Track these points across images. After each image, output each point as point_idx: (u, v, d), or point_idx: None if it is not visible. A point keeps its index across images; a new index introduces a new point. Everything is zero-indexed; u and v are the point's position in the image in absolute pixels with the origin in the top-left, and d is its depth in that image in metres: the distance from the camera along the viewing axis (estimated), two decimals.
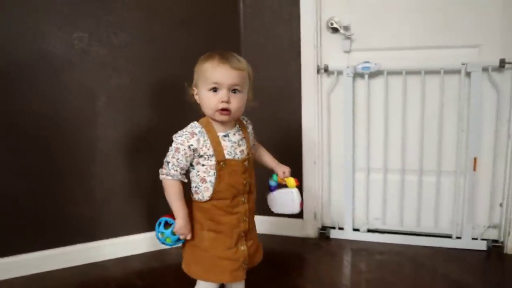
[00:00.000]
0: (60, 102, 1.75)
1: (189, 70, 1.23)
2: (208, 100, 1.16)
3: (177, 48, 1.89)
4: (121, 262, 1.89)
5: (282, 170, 1.33)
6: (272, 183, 1.34)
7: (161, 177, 1.19)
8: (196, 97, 1.22)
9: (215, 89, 1.15)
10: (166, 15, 1.87)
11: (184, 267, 1.27)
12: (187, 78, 1.24)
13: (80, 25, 1.73)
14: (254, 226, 1.31)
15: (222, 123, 1.19)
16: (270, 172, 1.36)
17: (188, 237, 1.22)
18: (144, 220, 1.95)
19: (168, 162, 1.18)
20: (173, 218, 1.21)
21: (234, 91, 1.16)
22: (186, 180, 1.21)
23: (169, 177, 1.17)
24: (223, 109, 1.15)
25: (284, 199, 1.33)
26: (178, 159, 1.17)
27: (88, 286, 1.70)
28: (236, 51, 1.20)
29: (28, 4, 1.65)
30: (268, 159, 1.38)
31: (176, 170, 1.17)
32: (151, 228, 1.94)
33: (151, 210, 1.95)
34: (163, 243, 1.26)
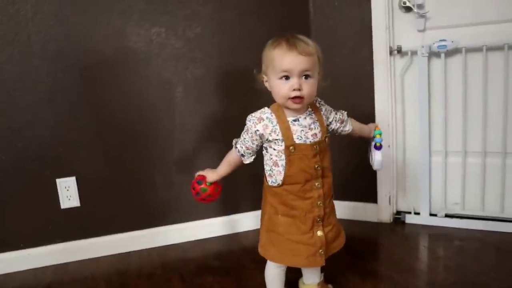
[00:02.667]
0: (141, 94, 1.87)
1: (261, 58, 1.24)
2: (279, 88, 1.15)
3: (248, 36, 1.92)
4: (200, 244, 1.98)
5: (375, 126, 1.37)
6: (379, 139, 1.34)
7: (233, 143, 1.28)
8: (267, 84, 1.22)
9: (286, 77, 1.14)
10: (236, 5, 1.91)
11: (260, 250, 1.29)
12: (259, 66, 1.24)
13: (158, 21, 1.83)
14: (333, 211, 1.29)
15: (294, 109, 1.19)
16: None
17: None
18: (221, 204, 2.03)
19: (241, 137, 1.25)
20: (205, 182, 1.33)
21: (306, 77, 1.15)
22: (247, 161, 1.26)
23: (235, 148, 1.27)
24: (295, 97, 1.14)
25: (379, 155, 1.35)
26: (245, 139, 1.23)
27: (170, 265, 1.80)
28: (306, 36, 1.20)
29: (114, 8, 1.78)
30: (360, 128, 1.38)
31: (242, 147, 1.24)
32: (228, 212, 2.05)
33: (228, 195, 2.02)
34: (198, 194, 1.35)
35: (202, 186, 1.33)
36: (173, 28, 1.85)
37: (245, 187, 2.00)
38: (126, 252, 1.94)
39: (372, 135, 1.36)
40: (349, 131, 1.34)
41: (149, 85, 1.87)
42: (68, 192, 1.85)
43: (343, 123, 1.32)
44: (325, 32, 2.00)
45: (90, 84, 1.81)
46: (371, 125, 1.38)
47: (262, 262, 1.34)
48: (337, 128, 1.32)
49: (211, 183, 1.33)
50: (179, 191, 1.96)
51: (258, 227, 1.97)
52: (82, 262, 1.87)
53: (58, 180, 1.83)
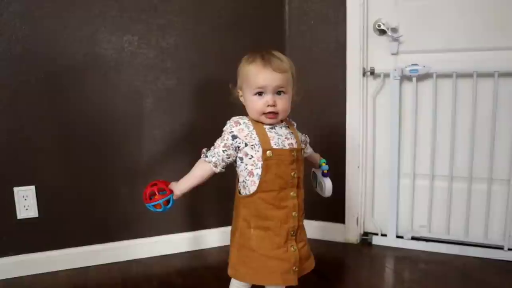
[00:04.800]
0: (110, 102, 1.81)
1: (234, 72, 1.23)
2: (254, 104, 1.17)
3: (222, 50, 1.91)
4: (163, 260, 1.92)
5: (319, 156, 1.40)
6: (326, 167, 1.36)
7: (202, 153, 1.21)
8: (242, 99, 1.22)
9: (260, 93, 1.16)
10: (212, 18, 1.89)
11: (229, 271, 1.23)
12: (232, 80, 1.24)
13: (130, 29, 1.79)
14: (304, 228, 1.27)
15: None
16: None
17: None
18: (186, 219, 1.98)
19: (214, 145, 1.20)
20: (167, 189, 1.21)
21: (279, 93, 1.16)
22: (217, 170, 1.19)
23: (205, 157, 1.20)
24: (269, 112, 1.16)
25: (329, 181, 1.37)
26: (219, 145, 1.18)
27: (131, 282, 1.73)
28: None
29: (85, 12, 1.73)
30: (312, 154, 1.40)
31: (214, 155, 1.18)
32: (193, 227, 2.00)
33: (194, 210, 1.98)
34: (150, 208, 1.23)
35: (163, 200, 1.21)
36: (146, 37, 1.81)
37: (212, 203, 1.97)
38: (85, 267, 1.85)
39: (318, 163, 1.39)
40: (308, 154, 1.38)
41: (118, 94, 1.82)
42: (26, 202, 1.76)
43: (306, 145, 1.35)
44: (300, 51, 2.01)
45: (55, 89, 1.74)
46: (317, 154, 1.42)
47: (226, 281, 1.29)
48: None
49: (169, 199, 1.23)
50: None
51: (224, 244, 1.94)
52: (37, 277, 1.78)
53: (15, 189, 1.74)
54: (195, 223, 2.01)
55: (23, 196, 1.75)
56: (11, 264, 1.76)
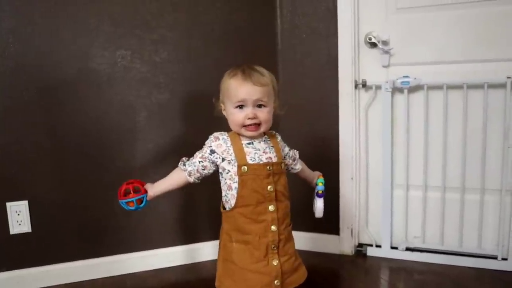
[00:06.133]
0: (102, 117, 1.82)
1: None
2: (234, 117, 1.20)
3: (215, 64, 1.91)
4: (158, 274, 1.91)
5: (318, 175, 1.41)
6: (321, 187, 1.36)
7: (181, 161, 1.27)
8: (224, 112, 1.26)
9: (241, 106, 1.19)
10: (204, 32, 1.91)
11: (216, 283, 1.26)
12: (218, 94, 1.27)
13: (124, 44, 1.80)
14: (290, 240, 1.27)
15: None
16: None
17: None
18: (180, 233, 1.98)
19: (194, 156, 1.25)
20: (142, 188, 1.24)
21: (260, 106, 1.20)
22: (191, 180, 1.25)
23: (182, 165, 1.26)
24: (250, 124, 1.19)
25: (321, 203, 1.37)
26: (196, 156, 1.24)
27: None
28: (273, 68, 1.23)
29: (79, 27, 1.74)
30: (307, 172, 1.42)
31: (190, 165, 1.24)
32: (186, 241, 2.00)
33: (187, 223, 1.98)
34: (123, 205, 1.25)
35: (136, 198, 1.23)
36: (139, 52, 1.83)
37: (206, 216, 1.96)
38: (79, 282, 1.84)
39: (314, 181, 1.40)
40: (298, 170, 1.40)
41: (112, 108, 1.82)
42: (19, 217, 1.75)
43: (294, 160, 1.37)
44: (292, 64, 2.02)
45: (49, 104, 1.75)
46: (316, 172, 1.44)
47: None
48: (289, 165, 1.36)
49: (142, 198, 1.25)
50: (138, 218, 1.90)
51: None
52: None
53: (8, 204, 1.74)
54: (189, 237, 2.00)
55: (16, 211, 1.75)
56: (4, 280, 1.75)
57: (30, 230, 1.77)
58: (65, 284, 1.82)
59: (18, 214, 1.75)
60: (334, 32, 1.94)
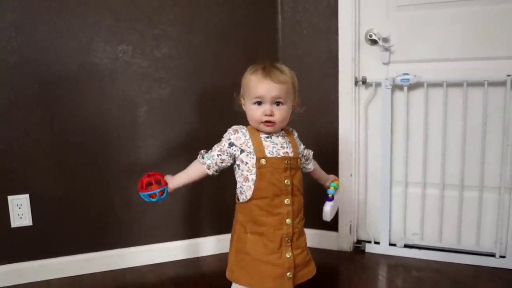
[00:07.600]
0: (104, 111, 1.83)
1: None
2: (253, 112, 1.22)
3: (215, 60, 1.93)
4: (158, 268, 1.92)
5: (333, 178, 1.44)
6: (332, 191, 1.37)
7: (200, 154, 1.27)
8: (244, 107, 1.28)
9: (259, 103, 1.21)
10: (205, 28, 1.91)
11: (227, 273, 1.27)
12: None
13: (125, 39, 1.81)
14: (303, 235, 1.29)
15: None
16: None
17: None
18: (181, 227, 1.99)
19: (212, 149, 1.25)
20: (162, 180, 1.26)
21: (278, 103, 1.21)
22: (210, 172, 1.25)
23: (201, 158, 1.26)
24: (267, 121, 1.21)
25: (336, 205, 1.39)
26: (215, 149, 1.25)
27: None
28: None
29: (80, 22, 1.75)
30: (320, 173, 1.45)
31: (209, 158, 1.24)
32: (188, 235, 2.00)
33: (188, 218, 1.99)
34: (145, 197, 1.27)
35: (159, 190, 1.25)
36: (141, 47, 1.83)
37: (207, 211, 1.97)
38: (79, 275, 1.85)
39: (327, 184, 1.42)
40: (310, 170, 1.42)
41: (112, 103, 1.83)
42: (20, 210, 1.76)
43: (307, 160, 1.39)
44: (292, 60, 2.02)
45: (50, 98, 1.75)
46: (330, 176, 1.46)
47: None
48: (302, 163, 1.37)
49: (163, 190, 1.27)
50: (138, 212, 1.91)
51: (219, 252, 1.95)
52: (31, 285, 1.77)
53: (9, 197, 1.75)
54: (190, 231, 2.01)
55: (17, 205, 1.76)
56: (4, 273, 1.76)
57: (31, 224, 1.78)
58: (65, 278, 1.83)
59: (19, 208, 1.76)
60: (335, 29, 1.94)
